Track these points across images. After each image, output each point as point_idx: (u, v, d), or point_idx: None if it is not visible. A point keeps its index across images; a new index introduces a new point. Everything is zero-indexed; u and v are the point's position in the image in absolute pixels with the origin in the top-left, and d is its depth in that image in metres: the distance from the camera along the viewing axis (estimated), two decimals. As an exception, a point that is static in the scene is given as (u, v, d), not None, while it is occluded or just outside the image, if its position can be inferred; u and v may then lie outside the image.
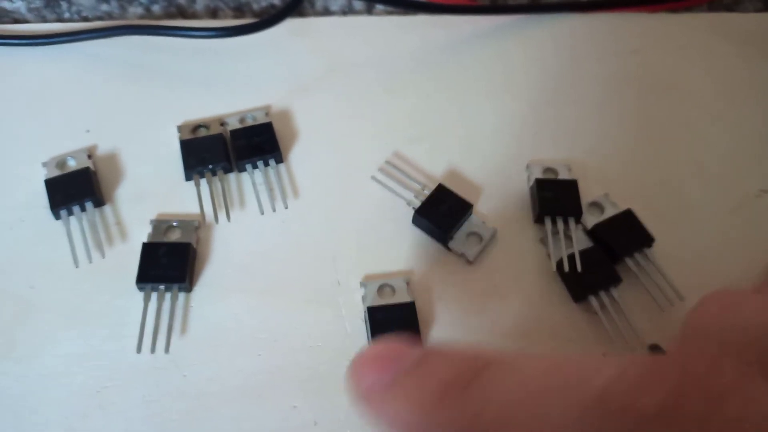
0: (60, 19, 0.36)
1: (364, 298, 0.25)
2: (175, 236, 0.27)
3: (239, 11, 0.36)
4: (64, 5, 0.36)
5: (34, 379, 0.24)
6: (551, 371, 0.13)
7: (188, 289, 0.26)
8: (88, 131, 0.30)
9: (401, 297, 0.25)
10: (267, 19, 0.31)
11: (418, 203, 0.28)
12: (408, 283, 0.26)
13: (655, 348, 0.23)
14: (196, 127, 0.30)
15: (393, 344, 0.14)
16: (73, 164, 0.29)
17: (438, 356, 0.13)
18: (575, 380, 0.12)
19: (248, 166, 0.29)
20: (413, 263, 0.27)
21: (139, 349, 0.24)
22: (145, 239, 0.27)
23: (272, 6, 0.36)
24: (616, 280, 0.26)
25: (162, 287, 0.25)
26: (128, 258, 0.26)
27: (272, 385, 0.24)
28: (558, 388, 0.12)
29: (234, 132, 0.29)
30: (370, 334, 0.25)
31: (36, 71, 0.32)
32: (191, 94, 0.32)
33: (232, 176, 0.29)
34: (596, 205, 0.28)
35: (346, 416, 0.23)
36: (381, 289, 0.25)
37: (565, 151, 0.30)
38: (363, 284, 0.26)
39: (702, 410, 0.11)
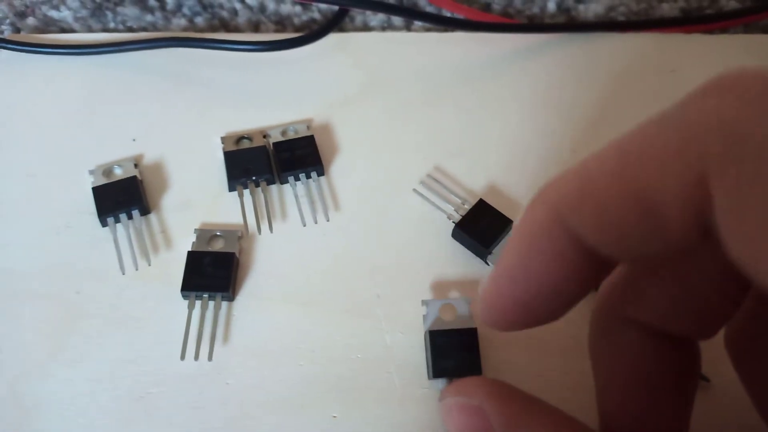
0: (105, 29, 0.37)
1: (425, 318, 0.25)
2: (218, 246, 0.27)
3: (281, 25, 0.37)
4: (110, 15, 0.37)
5: (81, 383, 0.25)
6: None
7: (231, 299, 0.26)
8: (134, 140, 0.31)
9: (463, 322, 0.25)
10: (311, 34, 0.32)
11: (458, 217, 0.28)
12: (470, 305, 0.25)
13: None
14: (239, 138, 0.30)
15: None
16: (119, 172, 0.29)
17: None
18: None
19: (290, 178, 0.29)
20: (452, 276, 0.27)
21: (183, 356, 0.25)
22: (189, 248, 0.27)
23: (313, 20, 0.36)
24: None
25: (206, 296, 0.26)
26: (173, 266, 0.27)
27: (313, 395, 0.24)
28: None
29: (277, 144, 0.30)
30: (429, 357, 0.24)
31: (82, 80, 0.33)
32: (234, 106, 0.32)
33: (274, 188, 0.29)
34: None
35: (386, 427, 0.24)
36: (443, 308, 0.25)
37: (603, 169, 0.30)
38: (425, 302, 0.26)
39: None
